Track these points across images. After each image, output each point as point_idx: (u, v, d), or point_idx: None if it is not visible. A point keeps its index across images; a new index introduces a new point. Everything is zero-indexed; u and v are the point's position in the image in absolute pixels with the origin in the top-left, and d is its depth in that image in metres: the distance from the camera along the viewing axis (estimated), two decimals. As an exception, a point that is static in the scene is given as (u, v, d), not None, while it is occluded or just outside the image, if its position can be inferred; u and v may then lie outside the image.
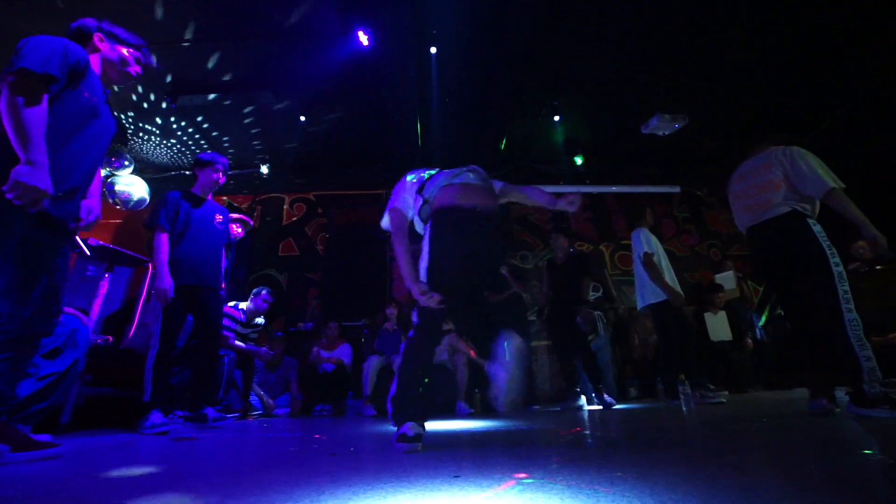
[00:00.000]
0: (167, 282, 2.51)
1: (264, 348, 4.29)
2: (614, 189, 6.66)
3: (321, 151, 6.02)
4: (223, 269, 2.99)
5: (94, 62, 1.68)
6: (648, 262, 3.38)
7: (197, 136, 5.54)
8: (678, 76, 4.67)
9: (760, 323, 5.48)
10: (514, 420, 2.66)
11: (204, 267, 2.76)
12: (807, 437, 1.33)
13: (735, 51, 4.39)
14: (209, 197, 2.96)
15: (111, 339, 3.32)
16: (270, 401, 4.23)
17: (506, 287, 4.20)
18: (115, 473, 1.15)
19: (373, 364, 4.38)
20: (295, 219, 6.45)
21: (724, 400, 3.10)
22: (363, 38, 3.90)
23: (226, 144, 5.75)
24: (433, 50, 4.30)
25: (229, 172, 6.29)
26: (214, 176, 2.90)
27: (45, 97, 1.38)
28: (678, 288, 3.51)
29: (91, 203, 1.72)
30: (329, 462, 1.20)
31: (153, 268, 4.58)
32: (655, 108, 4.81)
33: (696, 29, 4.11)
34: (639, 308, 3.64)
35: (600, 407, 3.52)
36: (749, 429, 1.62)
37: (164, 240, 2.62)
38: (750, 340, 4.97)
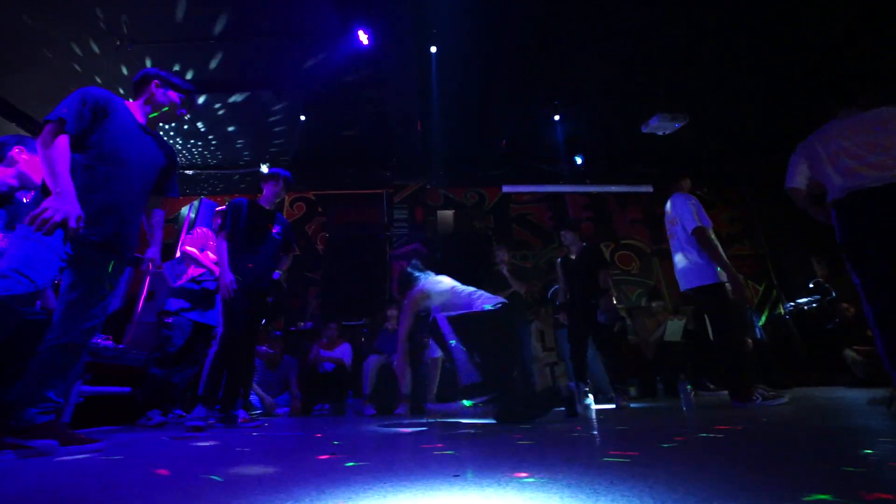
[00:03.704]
0: (229, 277, 2.71)
1: (264, 347, 4.30)
2: (614, 189, 6.66)
3: (321, 151, 6.03)
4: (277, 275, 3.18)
5: (147, 104, 1.99)
6: (703, 239, 2.82)
7: (196, 134, 5.54)
8: (678, 76, 4.67)
9: (760, 323, 5.49)
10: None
11: (259, 273, 2.92)
12: (807, 436, 1.34)
13: (735, 51, 4.39)
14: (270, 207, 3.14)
15: (111, 338, 3.32)
16: (270, 399, 4.23)
17: (505, 287, 4.21)
18: (113, 473, 1.15)
19: (373, 363, 4.39)
20: (295, 218, 6.45)
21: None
22: (363, 38, 3.90)
23: (225, 143, 5.75)
24: (433, 49, 4.29)
25: (229, 171, 6.30)
26: (276, 189, 3.10)
27: (64, 138, 1.61)
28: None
29: (153, 253, 2.01)
30: (329, 461, 1.20)
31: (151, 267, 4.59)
32: (655, 108, 4.81)
33: (696, 29, 4.11)
34: (682, 290, 3.04)
35: (613, 406, 3.47)
36: (749, 429, 1.62)
37: (225, 243, 2.84)
38: (750, 340, 4.97)
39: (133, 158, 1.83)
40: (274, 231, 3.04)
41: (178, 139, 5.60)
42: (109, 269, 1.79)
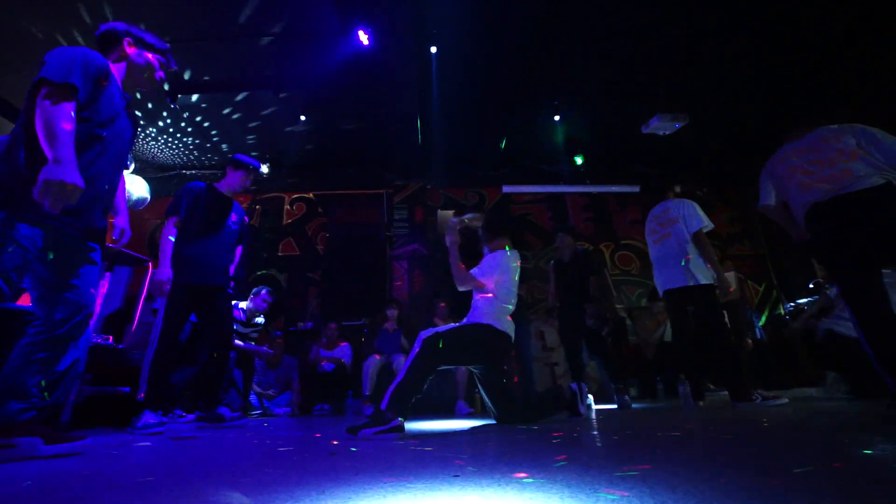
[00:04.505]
0: (166, 274, 2.46)
1: (264, 347, 4.30)
2: (614, 189, 6.66)
3: (321, 151, 6.03)
4: (232, 269, 2.96)
5: (119, 67, 1.74)
6: (703, 239, 3.03)
7: (197, 135, 5.54)
8: (678, 76, 4.67)
9: (760, 323, 5.49)
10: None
11: (214, 266, 2.71)
12: (808, 437, 1.34)
13: (735, 51, 4.39)
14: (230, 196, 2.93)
15: (111, 338, 3.32)
16: (268, 391, 4.29)
17: None
18: (114, 473, 1.15)
19: (373, 364, 4.39)
20: (295, 218, 6.45)
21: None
22: (363, 38, 3.90)
23: (225, 144, 5.75)
24: (433, 49, 4.29)
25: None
26: (245, 181, 2.89)
27: (72, 105, 1.44)
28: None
29: (122, 222, 1.83)
30: (329, 461, 1.20)
31: (153, 266, 4.59)
32: (655, 108, 4.81)
33: (696, 29, 4.11)
34: (678, 286, 3.08)
35: (615, 406, 3.46)
36: (749, 429, 1.62)
37: (174, 231, 2.58)
38: (750, 340, 4.97)
39: (114, 136, 1.65)
40: (231, 220, 2.83)
41: (177, 139, 5.61)
42: (88, 259, 1.64)
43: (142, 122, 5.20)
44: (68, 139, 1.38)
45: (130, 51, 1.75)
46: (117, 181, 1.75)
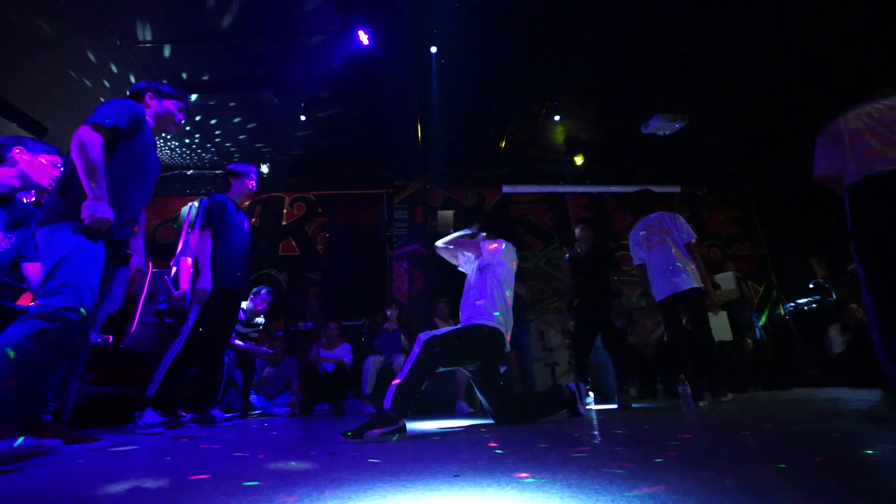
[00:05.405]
0: (209, 283, 2.60)
1: (264, 347, 4.30)
2: (614, 189, 6.66)
3: (321, 151, 6.03)
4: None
5: (147, 116, 2.03)
6: (696, 250, 3.31)
7: (197, 136, 5.54)
8: (678, 76, 4.68)
9: (760, 323, 5.49)
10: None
11: (236, 272, 2.86)
12: (808, 438, 1.34)
13: (735, 51, 4.39)
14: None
15: (111, 338, 3.32)
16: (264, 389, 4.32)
17: None
18: (114, 473, 1.15)
19: (372, 363, 4.39)
20: (295, 218, 6.45)
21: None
22: (364, 38, 3.90)
23: (226, 144, 5.75)
24: (433, 49, 4.29)
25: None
26: (250, 185, 3.05)
27: (103, 145, 1.68)
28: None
29: (140, 261, 2.17)
30: (329, 461, 1.20)
31: (153, 267, 4.58)
32: (655, 108, 4.81)
33: (696, 29, 4.11)
34: (679, 291, 3.23)
35: (615, 406, 3.42)
36: (749, 429, 1.62)
37: (210, 242, 2.73)
38: (749, 341, 4.97)
39: (146, 170, 1.94)
40: (245, 228, 3.01)
41: (177, 139, 5.60)
42: (112, 275, 1.84)
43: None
44: (103, 178, 1.64)
45: (152, 102, 2.07)
46: (142, 208, 2.00)
